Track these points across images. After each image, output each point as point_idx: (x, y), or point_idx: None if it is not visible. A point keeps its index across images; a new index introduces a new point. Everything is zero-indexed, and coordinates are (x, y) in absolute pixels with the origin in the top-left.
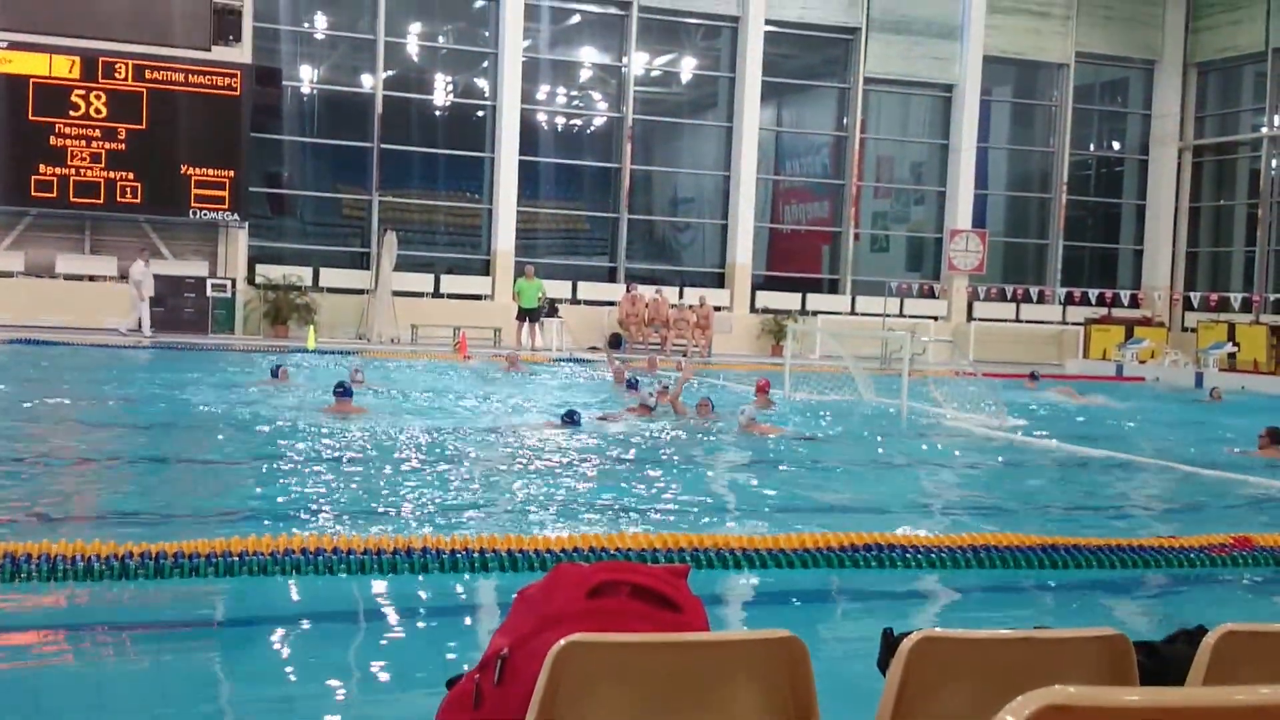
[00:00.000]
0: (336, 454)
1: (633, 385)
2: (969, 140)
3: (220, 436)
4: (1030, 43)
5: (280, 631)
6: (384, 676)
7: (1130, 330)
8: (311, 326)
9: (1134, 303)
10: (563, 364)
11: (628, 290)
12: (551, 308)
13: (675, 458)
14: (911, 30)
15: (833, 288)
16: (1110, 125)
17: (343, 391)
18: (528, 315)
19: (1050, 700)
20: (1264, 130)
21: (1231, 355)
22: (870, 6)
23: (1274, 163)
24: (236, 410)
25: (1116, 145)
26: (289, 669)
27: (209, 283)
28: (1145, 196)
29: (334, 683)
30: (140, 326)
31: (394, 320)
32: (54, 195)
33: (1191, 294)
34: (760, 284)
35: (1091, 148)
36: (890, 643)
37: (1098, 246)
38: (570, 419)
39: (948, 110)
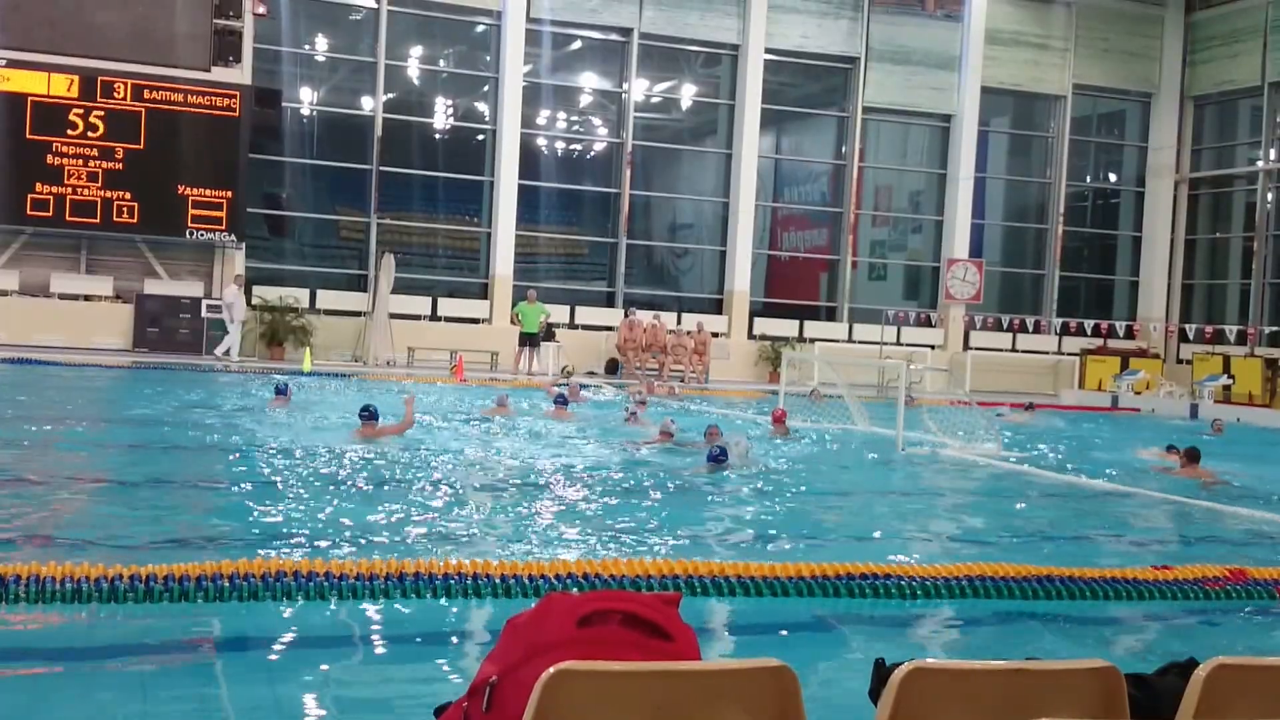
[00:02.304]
0: (349, 477)
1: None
2: (967, 170)
3: (231, 457)
4: (1028, 74)
5: (269, 656)
6: (373, 703)
7: (1126, 361)
8: (308, 349)
9: (1129, 334)
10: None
11: (626, 315)
12: (549, 332)
13: (671, 485)
14: (910, 61)
15: (830, 315)
16: (1107, 157)
17: (368, 415)
18: (528, 340)
19: None
20: (1260, 164)
21: (1227, 388)
22: (870, 37)
23: (1269, 196)
24: (246, 431)
25: (1113, 177)
26: (277, 695)
27: (204, 303)
28: (1141, 228)
29: (322, 709)
30: (230, 351)
31: (390, 343)
32: (50, 214)
33: (1187, 326)
34: (758, 310)
35: (1088, 179)
36: (882, 673)
37: (1094, 277)
38: (719, 459)
39: (946, 140)
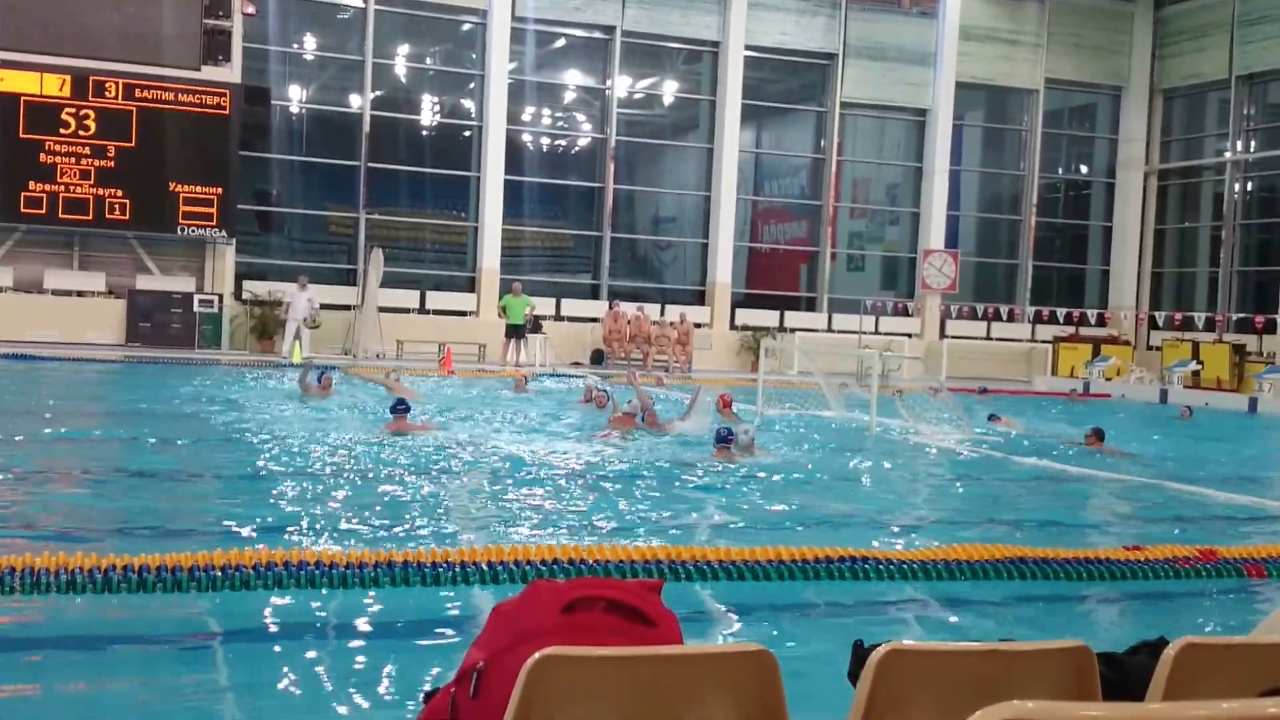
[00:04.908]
0: (339, 469)
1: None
2: (942, 163)
3: (220, 449)
4: (1001, 69)
5: (260, 645)
6: (362, 689)
7: (1097, 348)
8: (298, 342)
9: (1101, 321)
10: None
11: (610, 307)
12: (535, 324)
13: (649, 472)
14: (887, 57)
15: (810, 305)
16: (1079, 149)
17: (404, 409)
18: (514, 332)
19: (1007, 715)
20: (1227, 155)
21: (1195, 373)
22: (847, 33)
23: (1237, 186)
24: (238, 424)
25: (1085, 169)
26: (267, 683)
27: (196, 298)
28: (1112, 219)
29: (312, 696)
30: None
31: (379, 336)
32: (43, 211)
33: (1157, 313)
34: (740, 301)
35: (1060, 171)
36: (860, 654)
37: (1066, 267)
38: (727, 440)
39: (921, 134)
